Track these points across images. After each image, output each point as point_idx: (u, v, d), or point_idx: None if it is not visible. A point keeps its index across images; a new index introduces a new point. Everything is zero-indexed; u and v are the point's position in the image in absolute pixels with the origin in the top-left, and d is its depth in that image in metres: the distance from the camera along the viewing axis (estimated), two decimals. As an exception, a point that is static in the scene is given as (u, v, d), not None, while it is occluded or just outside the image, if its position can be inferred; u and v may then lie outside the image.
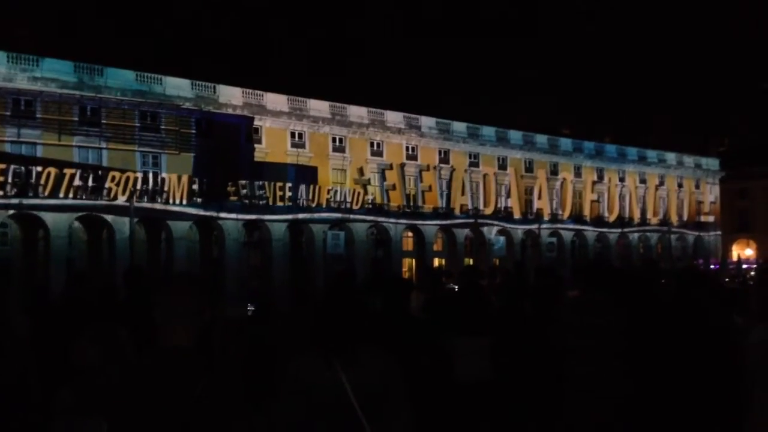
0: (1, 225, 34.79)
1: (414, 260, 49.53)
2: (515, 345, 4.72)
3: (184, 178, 38.29)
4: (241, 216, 40.47)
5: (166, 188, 37.74)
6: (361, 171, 48.61)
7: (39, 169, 34.20)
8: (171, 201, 37.77)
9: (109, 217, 36.24)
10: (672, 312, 4.27)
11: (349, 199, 44.77)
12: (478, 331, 4.67)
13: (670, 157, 68.94)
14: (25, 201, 33.66)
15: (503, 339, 4.75)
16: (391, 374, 2.93)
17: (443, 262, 49.49)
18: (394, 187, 49.02)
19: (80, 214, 35.74)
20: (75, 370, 2.89)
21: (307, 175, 43.87)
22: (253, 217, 40.74)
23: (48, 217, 34.64)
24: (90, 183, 35.47)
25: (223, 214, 39.74)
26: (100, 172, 36.24)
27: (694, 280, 4.42)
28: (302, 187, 42.50)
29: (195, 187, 38.66)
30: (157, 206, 37.38)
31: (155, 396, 2.47)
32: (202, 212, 39.11)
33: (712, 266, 48.77)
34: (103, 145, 38.46)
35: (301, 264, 42.12)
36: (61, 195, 34.51)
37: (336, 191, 44.57)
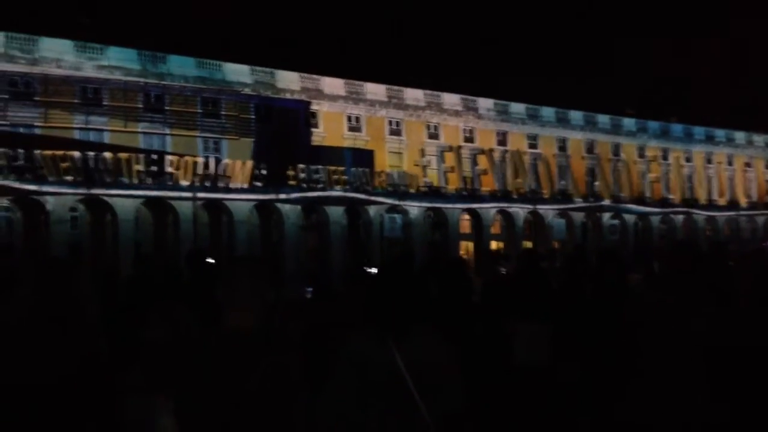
0: (72, 209, 36.12)
1: (472, 243, 49.22)
2: (576, 330, 4.66)
3: (248, 164, 38.89)
4: (299, 195, 40.78)
5: (227, 173, 38.46)
6: (421, 152, 48.41)
7: (107, 155, 35.35)
8: (232, 186, 38.48)
9: (173, 201, 37.20)
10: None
11: (406, 182, 44.74)
12: (538, 315, 4.62)
13: (739, 136, 66.37)
14: (93, 189, 34.83)
15: (563, 324, 4.68)
16: (445, 354, 2.93)
17: (501, 245, 49.04)
18: (452, 170, 48.70)
19: (146, 197, 36.79)
20: (143, 349, 2.99)
21: (364, 158, 44.00)
22: (314, 194, 40.98)
23: (115, 202, 35.79)
24: (155, 168, 36.47)
25: (282, 196, 40.20)
26: (164, 158, 37.22)
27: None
28: (359, 171, 42.67)
29: (255, 171, 39.25)
30: (218, 193, 38.15)
31: (220, 376, 2.54)
32: (261, 196, 39.70)
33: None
34: (167, 131, 39.43)
35: (358, 247, 42.39)
36: (127, 181, 35.59)
37: (393, 174, 44.58)
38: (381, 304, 2.97)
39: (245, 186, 38.77)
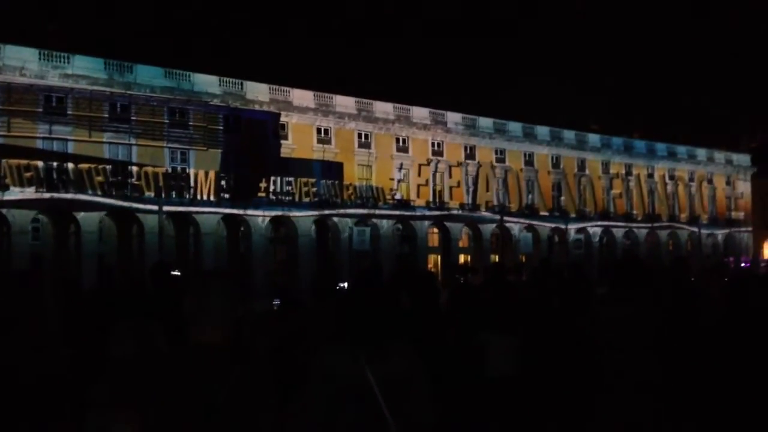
0: (34, 220, 35.40)
1: (439, 256, 49.42)
2: (543, 342, 4.70)
3: (212, 174, 38.61)
4: (267, 213, 40.70)
5: (193, 184, 38.10)
6: (386, 167, 48.61)
7: (70, 165, 34.74)
8: (198, 197, 38.14)
9: (138, 212, 36.68)
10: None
11: (374, 195, 44.83)
12: (506, 327, 4.66)
13: (701, 152, 67.85)
14: (56, 196, 34.19)
15: (531, 336, 4.73)
16: (416, 369, 2.94)
17: (469, 258, 49.32)
18: (425, 183, 48.97)
19: (110, 209, 36.20)
20: (109, 363, 2.94)
21: (333, 170, 43.98)
22: (279, 213, 40.94)
23: (79, 213, 35.17)
24: (119, 179, 35.97)
25: (249, 211, 40.01)
26: (129, 168, 36.73)
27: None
28: (328, 183, 42.64)
29: (222, 183, 38.97)
30: (184, 205, 37.76)
31: (187, 390, 2.50)
32: (228, 210, 39.36)
33: (743, 264, 47.90)
34: (133, 141, 38.94)
35: (326, 260, 42.27)
36: (91, 191, 35.01)
37: (361, 187, 44.64)
38: (352, 318, 2.97)
39: (212, 198, 38.43)
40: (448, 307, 5.81)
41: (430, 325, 3.99)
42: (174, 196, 37.19)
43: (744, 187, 70.65)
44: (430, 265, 48.17)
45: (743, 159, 71.48)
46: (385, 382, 2.84)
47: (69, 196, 34.33)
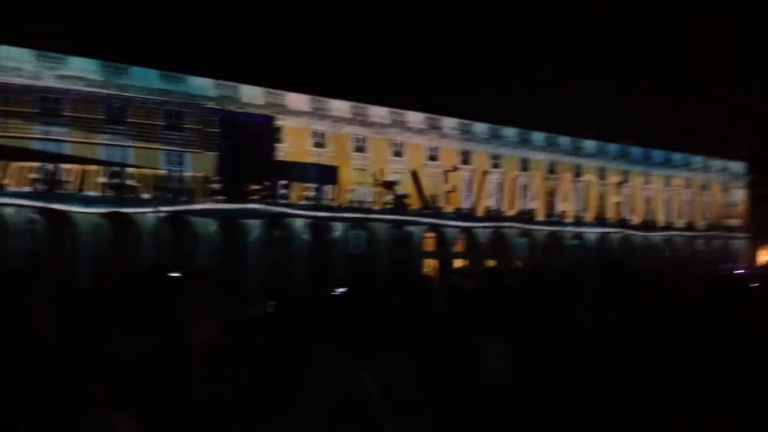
0: (30, 222, 35.33)
1: (435, 261, 49.44)
2: (535, 346, 4.73)
3: (207, 176, 38.60)
4: (264, 206, 40.51)
5: (188, 186, 38.08)
6: (381, 171, 48.64)
7: (66, 166, 34.72)
8: (194, 197, 38.11)
9: (134, 214, 36.63)
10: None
11: (370, 199, 44.85)
12: (500, 331, 4.68)
13: (696, 160, 68.11)
14: (52, 197, 34.14)
15: (524, 340, 4.75)
16: (412, 373, 2.95)
17: (464, 263, 49.33)
18: (415, 188, 48.98)
19: (105, 210, 36.14)
20: (104, 364, 2.94)
21: (328, 174, 43.98)
22: (277, 210, 40.85)
23: (74, 214, 35.10)
24: (115, 180, 35.97)
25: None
26: (124, 169, 36.71)
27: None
28: (324, 187, 42.65)
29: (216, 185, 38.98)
30: (180, 206, 37.73)
31: (182, 391, 2.51)
32: (224, 207, 39.30)
33: (739, 271, 47.98)
34: (129, 143, 38.91)
35: (322, 263, 42.25)
36: (86, 192, 34.99)
37: (357, 191, 44.65)
38: (348, 322, 2.98)
39: (206, 201, 38.39)
40: (442, 310, 5.82)
41: (424, 329, 4.01)
42: (169, 196, 37.14)
43: (739, 195, 70.93)
44: (426, 270, 48.19)
45: (739, 166, 71.78)
46: (379, 386, 2.85)
47: (61, 207, 34.22)
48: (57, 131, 36.76)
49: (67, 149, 36.78)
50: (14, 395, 2.85)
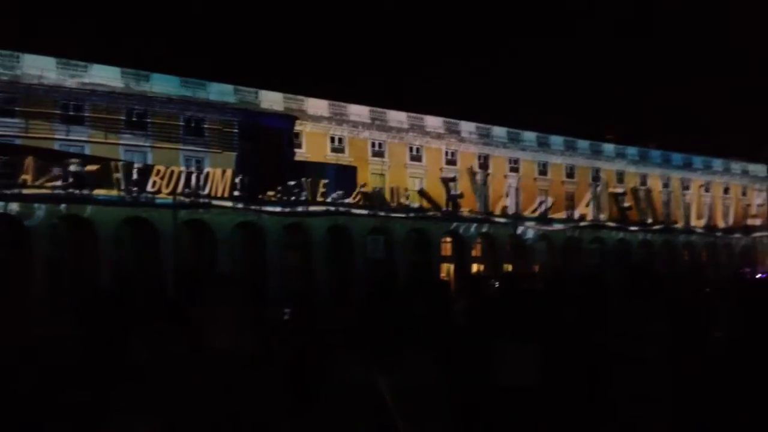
0: (51, 227, 35.70)
1: (453, 265, 49.28)
2: (558, 352, 4.69)
3: (228, 173, 38.79)
4: (280, 209, 40.66)
5: (209, 186, 38.23)
6: (400, 175, 48.64)
7: (87, 168, 35.16)
8: (214, 194, 38.32)
9: (153, 219, 36.87)
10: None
11: (389, 203, 44.86)
12: (523, 336, 4.66)
13: (716, 163, 67.41)
14: (73, 198, 34.55)
15: (546, 345, 4.72)
16: (432, 379, 2.94)
17: (482, 267, 49.14)
18: (435, 192, 48.98)
19: (126, 216, 36.41)
20: (126, 370, 2.97)
21: (347, 175, 43.89)
22: (295, 209, 41.13)
23: (95, 219, 35.42)
24: (135, 177, 36.32)
25: (265, 211, 40.09)
26: (146, 169, 37.11)
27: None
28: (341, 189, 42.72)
29: (236, 193, 39.10)
30: (200, 207, 37.96)
31: (202, 396, 2.53)
32: (242, 209, 39.43)
33: (760, 275, 47.36)
34: (148, 144, 39.31)
35: (341, 267, 42.25)
36: (107, 193, 35.45)
37: (376, 194, 44.66)
38: (368, 330, 2.98)
39: (226, 200, 38.56)
40: (463, 315, 5.80)
41: (445, 334, 4.00)
42: (190, 196, 37.44)
43: (760, 198, 70.10)
44: (444, 274, 48.05)
45: (760, 169, 70.96)
46: (400, 391, 2.85)
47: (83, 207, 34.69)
48: (78, 134, 37.23)
49: (88, 151, 37.16)
50: (40, 399, 2.89)
